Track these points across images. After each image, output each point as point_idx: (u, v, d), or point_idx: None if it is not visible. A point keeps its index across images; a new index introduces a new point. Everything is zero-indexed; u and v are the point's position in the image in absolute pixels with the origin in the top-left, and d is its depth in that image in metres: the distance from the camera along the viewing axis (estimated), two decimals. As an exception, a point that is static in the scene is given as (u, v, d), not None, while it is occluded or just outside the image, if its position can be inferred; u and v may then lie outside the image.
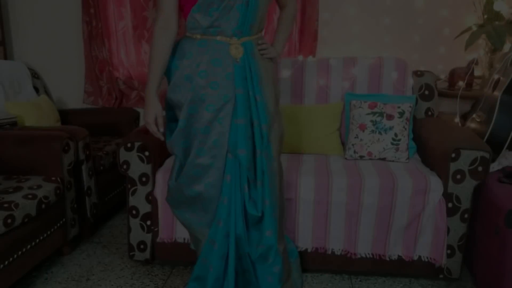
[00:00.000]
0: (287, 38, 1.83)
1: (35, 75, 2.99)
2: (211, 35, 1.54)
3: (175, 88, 1.59)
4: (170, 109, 1.65)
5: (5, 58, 3.03)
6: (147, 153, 1.97)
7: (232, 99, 1.55)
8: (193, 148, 1.59)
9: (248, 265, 1.65)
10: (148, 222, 2.04)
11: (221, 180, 1.60)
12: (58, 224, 2.10)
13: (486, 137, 2.04)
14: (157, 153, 2.02)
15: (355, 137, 2.20)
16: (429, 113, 2.38)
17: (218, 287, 1.65)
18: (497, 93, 2.08)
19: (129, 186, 2.02)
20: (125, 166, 1.99)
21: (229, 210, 1.60)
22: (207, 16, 1.51)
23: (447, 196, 1.86)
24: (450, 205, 1.86)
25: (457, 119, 2.46)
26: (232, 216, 1.61)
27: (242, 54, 1.56)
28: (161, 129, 1.62)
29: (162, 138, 1.65)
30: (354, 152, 2.18)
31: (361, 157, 2.17)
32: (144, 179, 2.00)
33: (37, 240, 1.95)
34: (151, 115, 1.59)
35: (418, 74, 2.41)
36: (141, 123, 3.07)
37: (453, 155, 1.81)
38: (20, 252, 1.83)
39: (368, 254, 1.94)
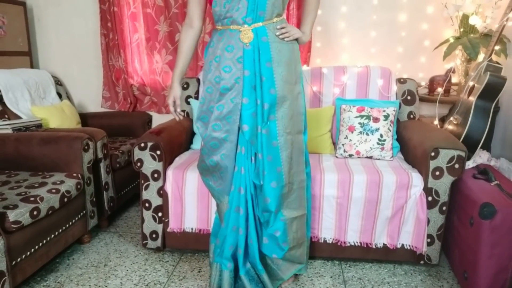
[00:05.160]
0: (314, 18, 1.76)
1: (58, 82, 2.99)
2: (226, 25, 1.58)
3: (202, 71, 1.70)
4: None
5: (31, 66, 3.03)
6: (158, 152, 1.97)
7: (241, 79, 1.57)
8: (209, 123, 1.63)
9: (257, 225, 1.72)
10: (160, 214, 2.04)
11: (234, 152, 1.63)
12: (79, 216, 2.10)
13: (462, 138, 2.05)
14: (168, 152, 2.03)
15: (345, 138, 2.20)
16: (411, 116, 2.38)
17: (242, 247, 1.69)
18: (472, 99, 2.08)
19: (142, 181, 2.02)
20: (139, 164, 1.99)
21: (246, 178, 1.65)
22: (222, 8, 1.55)
23: (427, 190, 1.86)
24: (430, 198, 1.86)
25: (436, 122, 2.47)
26: (249, 184, 1.65)
27: (252, 39, 1.56)
28: (178, 110, 1.71)
29: (177, 118, 1.73)
30: (344, 151, 2.19)
31: (350, 155, 2.18)
32: (156, 175, 2.00)
33: (60, 230, 1.95)
34: (170, 98, 1.70)
35: (401, 81, 2.41)
36: (153, 125, 3.08)
37: (433, 154, 1.82)
38: (45, 241, 1.84)
39: (357, 242, 1.94)
